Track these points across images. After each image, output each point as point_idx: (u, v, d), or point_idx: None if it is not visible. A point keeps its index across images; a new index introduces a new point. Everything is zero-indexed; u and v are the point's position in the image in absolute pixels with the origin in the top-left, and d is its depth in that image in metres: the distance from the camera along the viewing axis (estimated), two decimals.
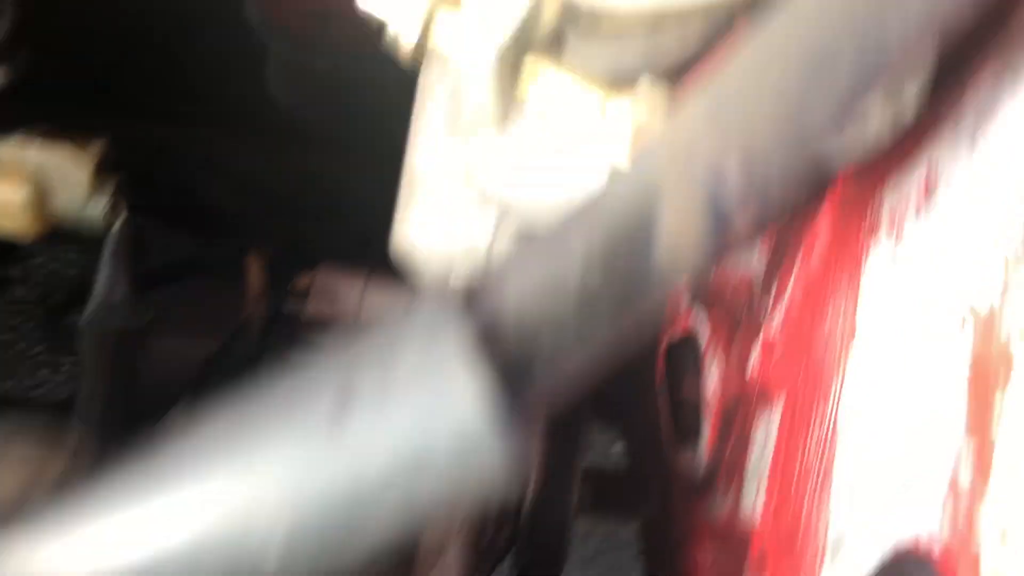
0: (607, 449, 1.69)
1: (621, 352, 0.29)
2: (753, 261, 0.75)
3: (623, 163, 0.29)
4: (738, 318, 0.77)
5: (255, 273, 0.95)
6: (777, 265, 0.69)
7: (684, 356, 0.88)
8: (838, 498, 0.52)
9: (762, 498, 0.62)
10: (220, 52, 1.36)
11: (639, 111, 0.37)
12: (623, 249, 0.27)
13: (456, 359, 0.27)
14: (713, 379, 0.79)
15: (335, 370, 0.29)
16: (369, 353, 0.28)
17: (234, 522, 0.28)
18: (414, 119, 0.52)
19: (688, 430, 0.88)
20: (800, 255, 0.64)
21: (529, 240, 0.29)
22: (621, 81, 0.38)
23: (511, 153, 0.42)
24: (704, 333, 0.82)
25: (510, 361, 0.28)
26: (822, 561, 0.52)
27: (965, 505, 0.39)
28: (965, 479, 0.40)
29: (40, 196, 0.69)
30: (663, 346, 0.91)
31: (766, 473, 0.62)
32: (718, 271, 0.83)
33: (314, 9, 1.26)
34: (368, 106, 1.30)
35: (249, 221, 1.28)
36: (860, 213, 0.58)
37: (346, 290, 1.06)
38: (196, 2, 1.27)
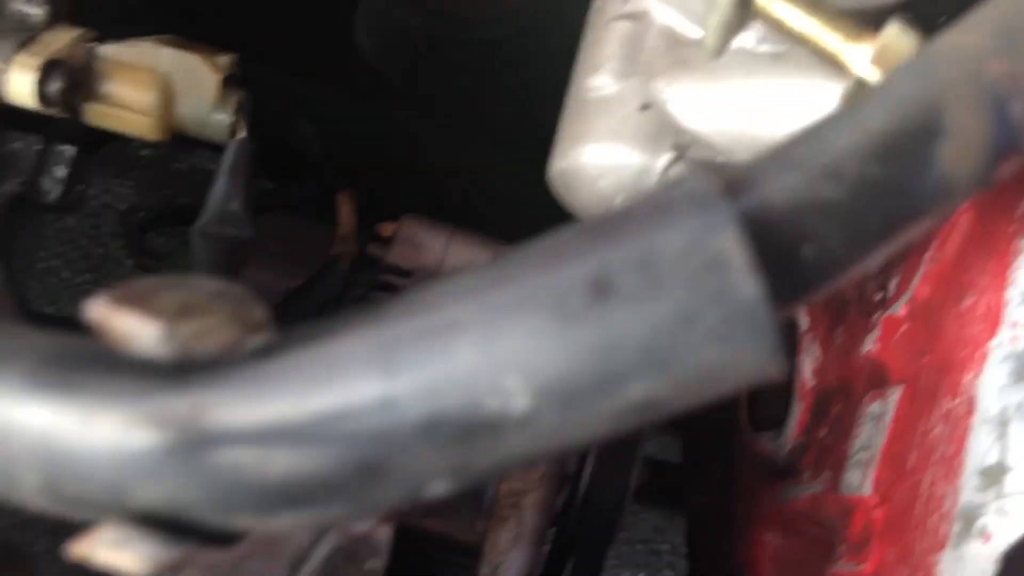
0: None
1: (887, 254, 0.28)
2: None
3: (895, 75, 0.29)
4: (844, 310, 0.77)
5: (347, 210, 0.95)
6: (900, 257, 0.69)
7: None
8: (970, 473, 0.52)
9: (871, 477, 0.61)
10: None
11: (883, 57, 0.36)
12: (906, 146, 0.27)
13: (724, 243, 0.27)
14: (807, 368, 0.79)
15: (587, 253, 0.28)
16: (627, 237, 0.28)
17: (479, 375, 0.28)
18: (583, 54, 0.51)
19: (768, 417, 0.87)
20: (932, 248, 0.63)
21: (794, 134, 0.29)
22: (843, 15, 0.38)
23: (719, 88, 0.42)
24: (802, 324, 0.81)
25: (779, 246, 0.27)
26: (948, 531, 0.52)
27: None
28: None
29: (168, 100, 0.69)
30: None
31: (878, 452, 0.61)
32: None
33: None
34: (455, 67, 1.29)
35: (331, 168, 1.28)
36: (1007, 210, 0.57)
37: (430, 241, 1.05)
38: None
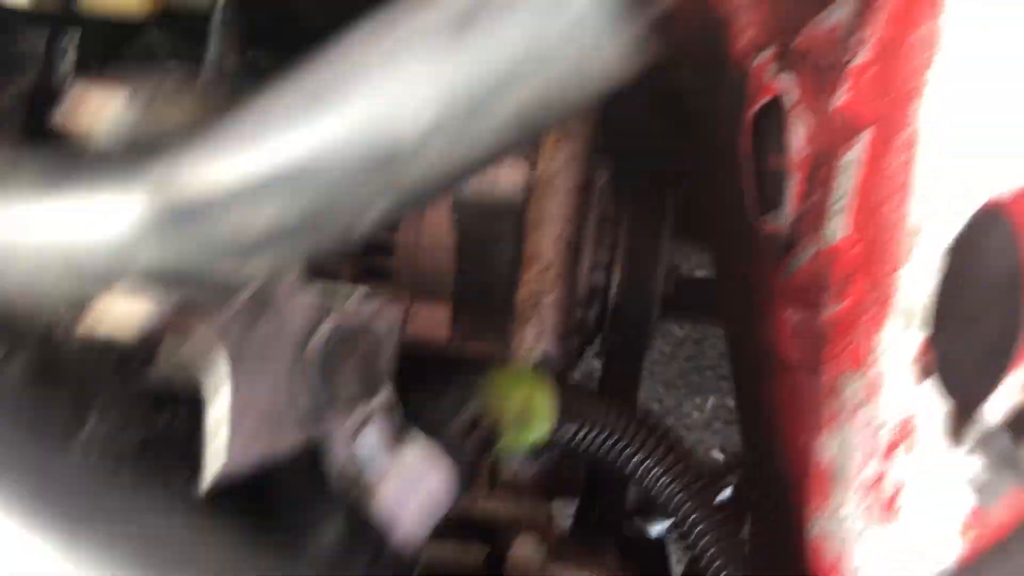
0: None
1: None
2: (841, 9, 0.76)
3: None
4: (827, 72, 0.79)
5: None
6: (868, 3, 0.70)
7: (769, 122, 0.90)
8: (918, 188, 0.55)
9: (848, 220, 0.65)
10: None
11: None
12: None
13: None
14: (800, 138, 0.81)
15: None
16: None
17: (375, 117, 0.33)
18: None
19: (773, 197, 0.91)
20: None
21: None
22: None
23: None
24: (792, 95, 0.83)
25: None
26: (908, 248, 0.55)
27: None
28: None
29: None
30: (749, 117, 0.93)
31: (852, 195, 0.65)
32: (806, 30, 0.84)
33: None
34: None
35: (331, 27, 1.30)
36: None
37: None
38: None
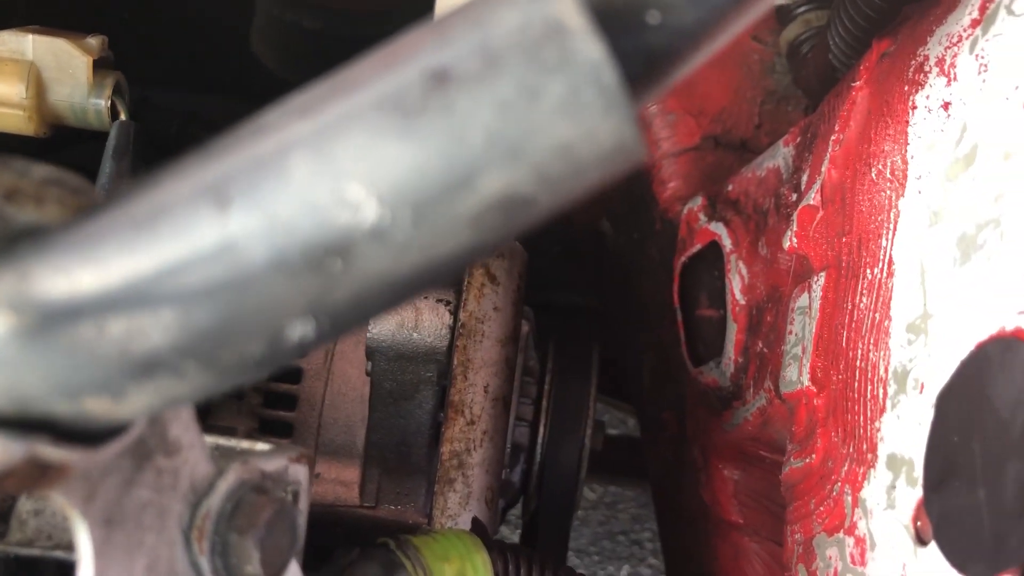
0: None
1: (738, 22, 0.26)
2: (777, 155, 0.74)
3: None
4: (764, 221, 0.76)
5: None
6: (808, 147, 0.68)
7: (701, 272, 0.87)
8: (898, 332, 0.50)
9: (807, 366, 0.59)
10: (206, 14, 1.33)
11: None
12: None
13: (560, 10, 0.25)
14: (737, 288, 0.77)
15: (422, 46, 0.26)
16: (463, 24, 0.26)
17: (320, 189, 0.26)
18: None
19: (707, 347, 0.86)
20: (836, 131, 0.62)
21: None
22: None
23: None
24: (726, 245, 0.80)
25: (621, 12, 0.25)
26: (885, 394, 0.50)
27: None
28: None
29: (39, 89, 0.66)
30: (678, 267, 0.89)
31: (810, 340, 0.60)
32: (736, 181, 0.82)
33: None
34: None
35: None
36: (900, 75, 0.56)
37: None
38: None
